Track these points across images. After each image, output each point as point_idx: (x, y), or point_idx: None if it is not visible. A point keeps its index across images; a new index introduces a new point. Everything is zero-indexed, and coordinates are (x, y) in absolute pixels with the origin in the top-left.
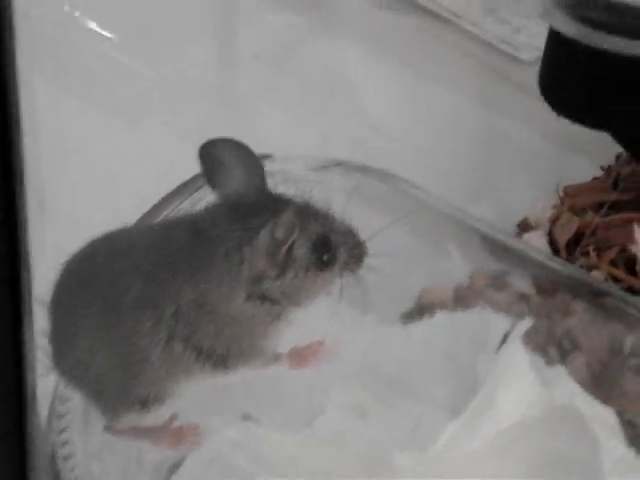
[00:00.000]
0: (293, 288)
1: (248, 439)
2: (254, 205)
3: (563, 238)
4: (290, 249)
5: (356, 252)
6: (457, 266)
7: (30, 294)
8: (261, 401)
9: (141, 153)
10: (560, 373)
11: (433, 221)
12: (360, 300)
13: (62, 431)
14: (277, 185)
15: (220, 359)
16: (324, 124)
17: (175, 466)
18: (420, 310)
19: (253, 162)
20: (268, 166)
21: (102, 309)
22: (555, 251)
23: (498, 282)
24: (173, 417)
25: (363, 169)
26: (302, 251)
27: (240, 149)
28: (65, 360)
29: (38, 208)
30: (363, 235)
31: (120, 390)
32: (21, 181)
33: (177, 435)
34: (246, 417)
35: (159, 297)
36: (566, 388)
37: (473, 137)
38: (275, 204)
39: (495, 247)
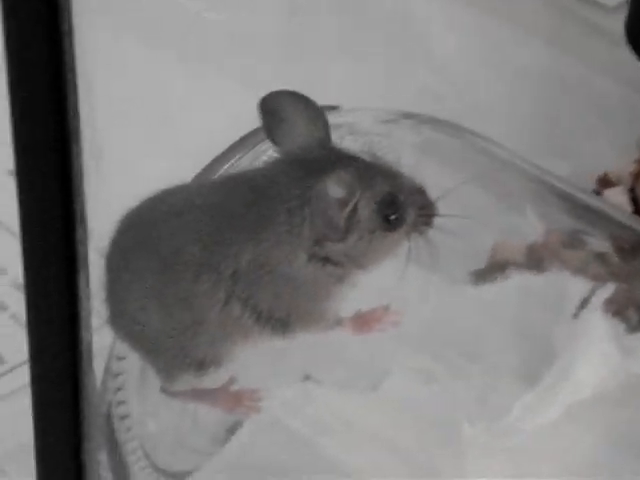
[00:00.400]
0: (357, 250)
1: (308, 401)
2: (316, 161)
3: None
4: (354, 209)
5: (425, 212)
6: (532, 225)
7: (86, 249)
8: (324, 364)
9: (204, 103)
10: None
11: (507, 178)
12: (428, 262)
13: (118, 390)
14: (343, 139)
15: (279, 322)
16: (392, 74)
17: (234, 428)
18: (492, 268)
19: (316, 115)
20: (334, 119)
21: (158, 268)
22: (637, 209)
23: (575, 241)
24: (231, 380)
25: (434, 122)
26: (367, 211)
27: (302, 101)
28: (120, 319)
29: (95, 161)
30: (433, 194)
31: (176, 351)
32: (77, 131)
33: (235, 399)
34: (307, 379)
35: (217, 257)
36: None
37: (550, 87)
38: (339, 160)
39: (573, 205)
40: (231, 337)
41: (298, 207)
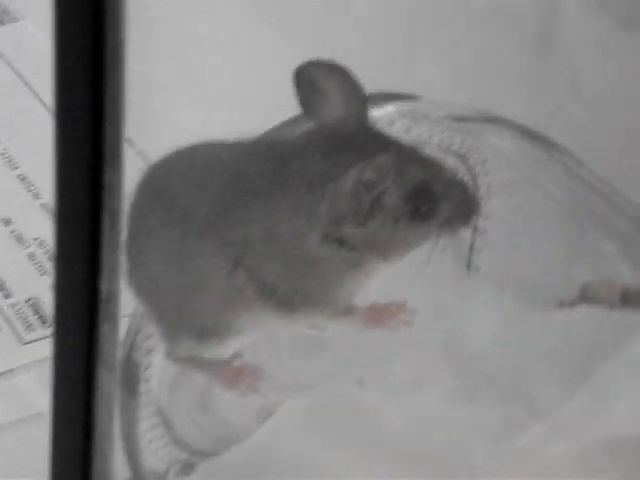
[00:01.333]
0: (378, 238)
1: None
2: (350, 139)
3: None
4: (381, 194)
5: (463, 209)
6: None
7: (114, 199)
8: (374, 368)
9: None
10: None
11: (588, 208)
12: (450, 265)
13: (145, 351)
14: (410, 129)
15: (284, 299)
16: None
17: (266, 415)
18: (580, 301)
19: (353, 88)
20: (405, 106)
21: (171, 223)
22: None
23: None
24: (236, 355)
25: (525, 132)
26: (395, 198)
27: (339, 73)
28: (135, 273)
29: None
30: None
31: (180, 314)
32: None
33: (235, 374)
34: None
35: (229, 220)
36: None
37: None
38: (374, 142)
39: None
40: (233, 306)
41: (320, 183)
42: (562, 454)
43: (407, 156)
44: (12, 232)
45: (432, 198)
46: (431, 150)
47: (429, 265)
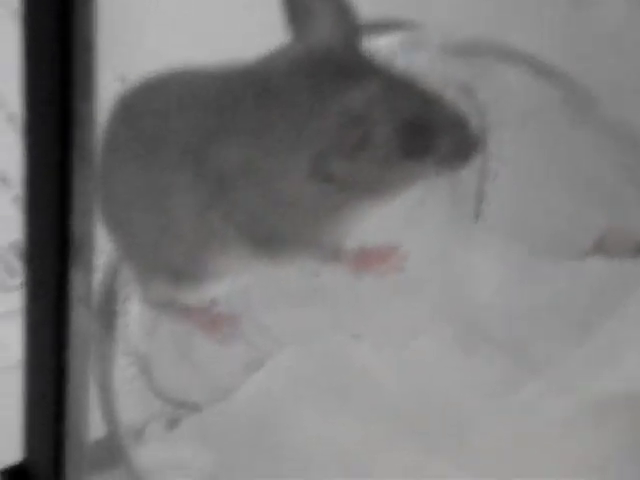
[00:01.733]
0: (367, 174)
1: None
2: (338, 66)
3: None
4: (371, 127)
5: (462, 146)
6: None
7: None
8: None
9: None
10: None
11: (604, 151)
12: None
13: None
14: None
15: (264, 241)
16: None
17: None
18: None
19: (346, 13)
20: (412, 36)
21: (143, 155)
22: None
23: None
24: (214, 302)
25: (538, 67)
26: (385, 131)
27: None
28: (107, 210)
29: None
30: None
31: (153, 254)
32: None
33: (213, 322)
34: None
35: (203, 153)
36: None
37: None
38: (363, 70)
39: None
40: (209, 246)
41: (307, 115)
42: (562, 410)
43: (400, 87)
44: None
45: (428, 133)
46: (434, 83)
47: (426, 208)
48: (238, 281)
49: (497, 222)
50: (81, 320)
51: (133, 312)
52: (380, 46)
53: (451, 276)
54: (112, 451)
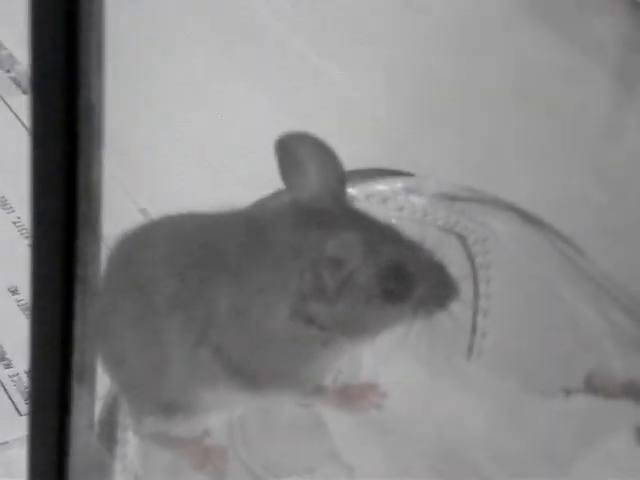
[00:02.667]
0: (348, 317)
1: None
2: (322, 215)
3: None
4: (351, 273)
5: (440, 292)
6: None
7: None
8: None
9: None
10: None
11: (590, 298)
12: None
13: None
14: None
15: (250, 377)
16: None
17: None
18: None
19: (332, 164)
20: (403, 183)
21: (136, 297)
22: None
23: None
24: (205, 433)
25: (524, 216)
26: (366, 277)
27: (319, 148)
28: (103, 347)
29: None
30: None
31: (144, 389)
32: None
33: (204, 454)
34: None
35: (195, 295)
36: None
37: None
38: (346, 219)
39: None
40: (198, 383)
41: (290, 258)
42: None
43: (381, 235)
44: (18, 302)
45: (407, 279)
46: (426, 228)
47: (409, 347)
48: (232, 414)
49: (490, 359)
50: (84, 446)
51: (132, 441)
52: (371, 193)
53: (439, 413)
54: None
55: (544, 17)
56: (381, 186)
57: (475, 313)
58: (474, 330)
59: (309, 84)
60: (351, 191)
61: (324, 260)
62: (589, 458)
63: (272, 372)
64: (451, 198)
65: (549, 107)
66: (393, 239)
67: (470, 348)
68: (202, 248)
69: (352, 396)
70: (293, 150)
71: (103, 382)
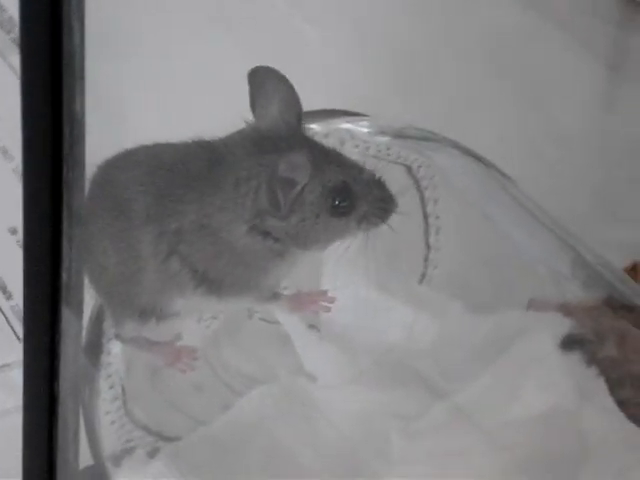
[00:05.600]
0: (300, 231)
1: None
2: (276, 140)
3: None
4: (301, 191)
5: (380, 205)
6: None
7: None
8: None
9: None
10: None
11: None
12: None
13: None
14: (346, 140)
15: (214, 284)
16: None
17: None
18: None
19: (292, 99)
20: (356, 123)
21: (116, 215)
22: None
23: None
24: (177, 337)
25: (470, 154)
26: (314, 195)
27: (284, 83)
28: (88, 263)
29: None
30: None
31: (123, 297)
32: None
33: (175, 354)
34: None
35: (164, 211)
36: None
37: None
38: (297, 143)
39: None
40: (168, 290)
41: (246, 179)
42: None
43: (327, 158)
44: (18, 242)
45: (350, 196)
46: (373, 161)
47: (357, 262)
48: (202, 321)
49: (439, 284)
50: (71, 355)
51: (114, 350)
52: (338, 129)
53: (385, 325)
54: (97, 478)
55: None
56: (346, 124)
57: (426, 231)
58: (428, 246)
59: (283, 39)
60: (315, 127)
61: (277, 180)
62: (512, 357)
63: (233, 280)
64: (400, 136)
65: (510, 67)
66: (338, 162)
67: (423, 275)
68: (172, 172)
69: (304, 301)
70: (262, 81)
71: (88, 304)
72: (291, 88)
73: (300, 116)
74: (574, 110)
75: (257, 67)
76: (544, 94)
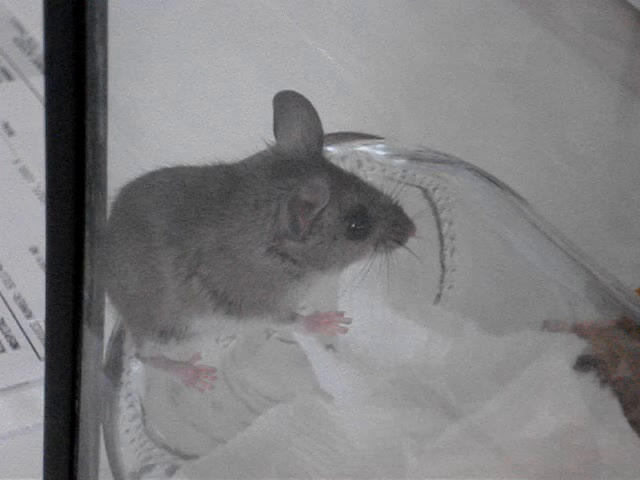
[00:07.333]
0: (317, 253)
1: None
2: (296, 164)
3: None
4: (319, 214)
5: (397, 229)
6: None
7: None
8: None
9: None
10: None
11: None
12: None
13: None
14: (362, 164)
15: (233, 305)
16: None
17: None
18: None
19: (314, 123)
20: (373, 146)
21: (137, 237)
22: None
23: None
24: (196, 356)
25: (485, 176)
26: (332, 218)
27: (306, 106)
28: (108, 282)
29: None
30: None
31: (144, 317)
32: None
33: (194, 373)
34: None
35: (186, 234)
36: None
37: None
38: (316, 167)
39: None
40: (188, 311)
41: (266, 201)
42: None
43: (344, 181)
44: (38, 261)
45: (367, 219)
46: (391, 183)
47: (373, 285)
48: (221, 341)
49: (454, 304)
50: (92, 374)
51: (134, 369)
52: (343, 153)
53: (401, 345)
54: None
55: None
56: (362, 147)
57: (442, 252)
58: (443, 267)
59: (301, 62)
60: (332, 149)
61: (298, 203)
62: (526, 377)
63: (252, 301)
64: (420, 159)
65: (524, 87)
66: (355, 185)
67: (438, 295)
68: (192, 194)
69: (321, 322)
70: (286, 105)
71: (109, 323)
72: (314, 112)
73: (321, 140)
74: (589, 130)
75: (283, 91)
76: (559, 114)
